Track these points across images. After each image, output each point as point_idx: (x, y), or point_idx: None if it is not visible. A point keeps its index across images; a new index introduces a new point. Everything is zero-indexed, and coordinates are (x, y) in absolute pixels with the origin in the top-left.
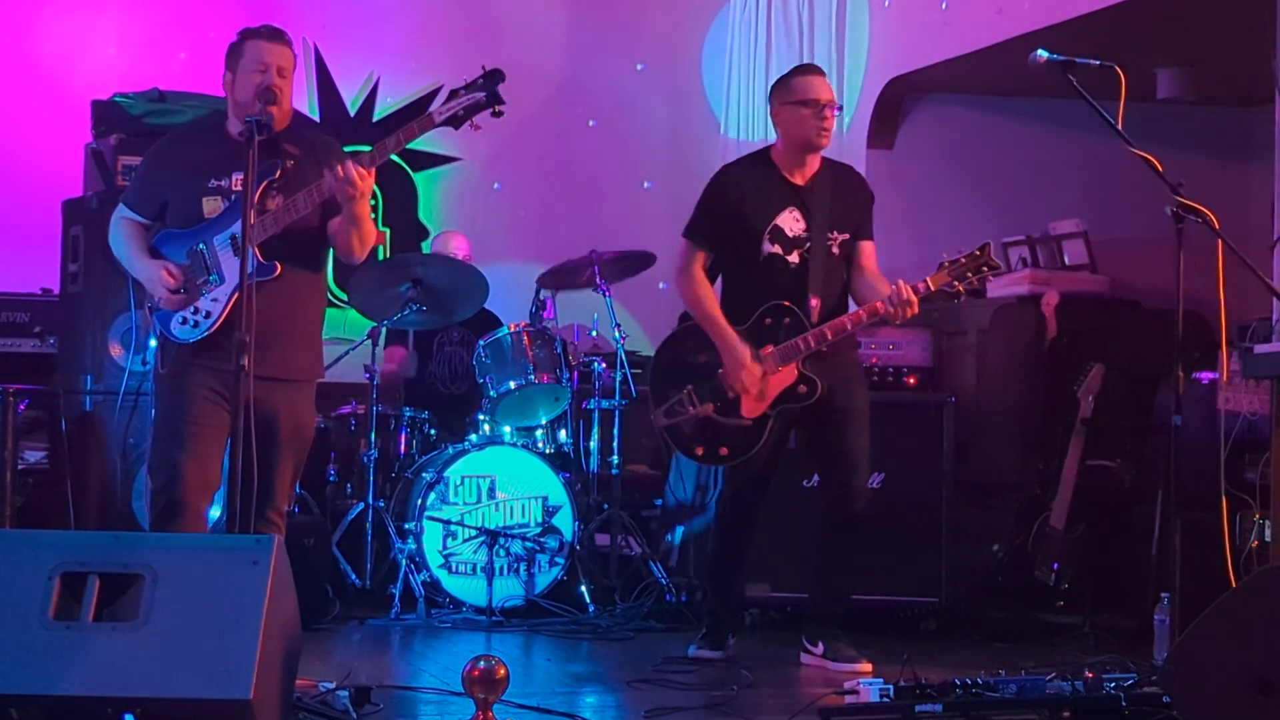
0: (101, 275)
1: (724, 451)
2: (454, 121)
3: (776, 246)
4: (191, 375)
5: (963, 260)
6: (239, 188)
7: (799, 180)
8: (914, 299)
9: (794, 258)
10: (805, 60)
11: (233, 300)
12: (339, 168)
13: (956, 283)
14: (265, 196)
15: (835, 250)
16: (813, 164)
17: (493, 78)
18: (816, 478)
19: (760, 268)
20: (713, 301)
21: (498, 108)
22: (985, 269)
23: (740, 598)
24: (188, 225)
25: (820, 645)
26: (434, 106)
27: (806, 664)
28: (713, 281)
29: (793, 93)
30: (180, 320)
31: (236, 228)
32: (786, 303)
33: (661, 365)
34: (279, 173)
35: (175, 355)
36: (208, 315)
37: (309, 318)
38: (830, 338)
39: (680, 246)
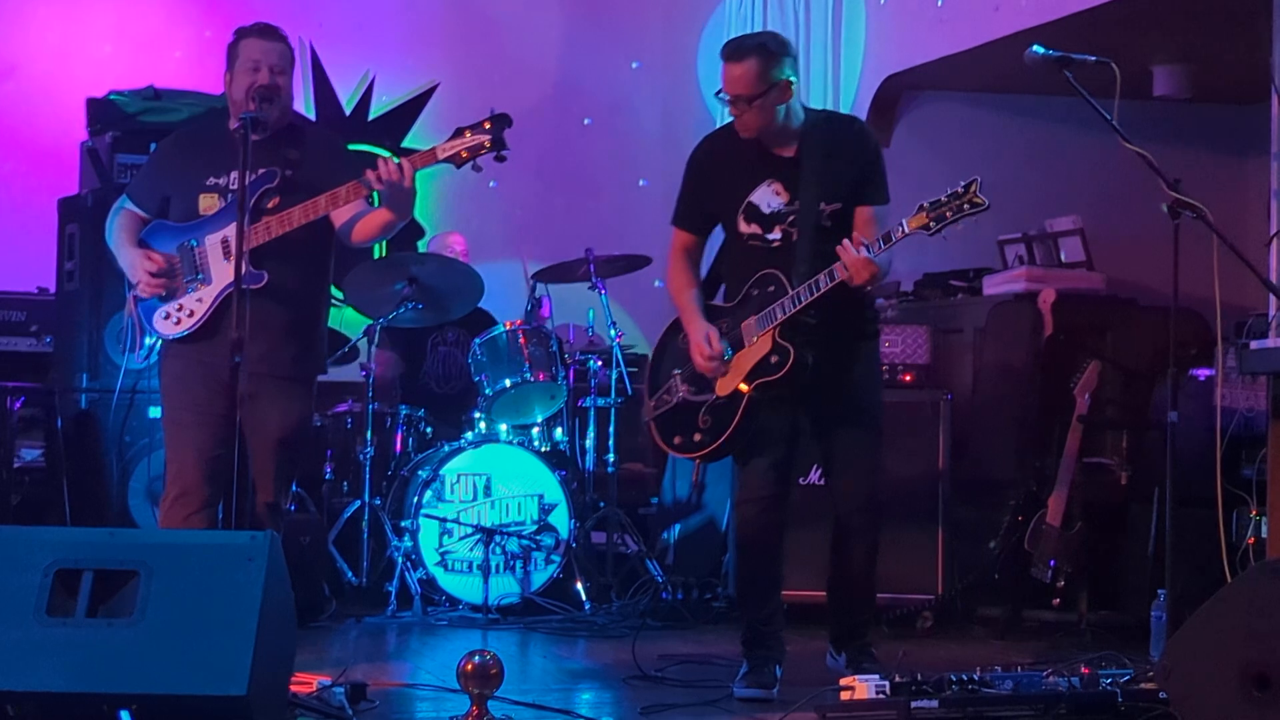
0: (97, 273)
1: (698, 437)
2: (455, 160)
3: (754, 225)
4: (191, 369)
5: (943, 199)
6: (236, 186)
7: (779, 150)
8: (860, 258)
9: (775, 234)
10: (802, 59)
11: (217, 304)
12: (385, 170)
13: (935, 224)
14: (262, 202)
15: (827, 224)
16: (794, 131)
17: (499, 122)
18: (813, 474)
19: (742, 247)
20: (680, 284)
21: (501, 153)
22: (968, 207)
23: (778, 621)
24: (185, 220)
25: (844, 656)
26: (439, 143)
27: (831, 669)
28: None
29: None
30: (164, 315)
31: (230, 230)
32: (774, 270)
33: (656, 354)
34: (277, 181)
35: (173, 351)
36: (191, 314)
37: (302, 314)
38: (805, 300)
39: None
